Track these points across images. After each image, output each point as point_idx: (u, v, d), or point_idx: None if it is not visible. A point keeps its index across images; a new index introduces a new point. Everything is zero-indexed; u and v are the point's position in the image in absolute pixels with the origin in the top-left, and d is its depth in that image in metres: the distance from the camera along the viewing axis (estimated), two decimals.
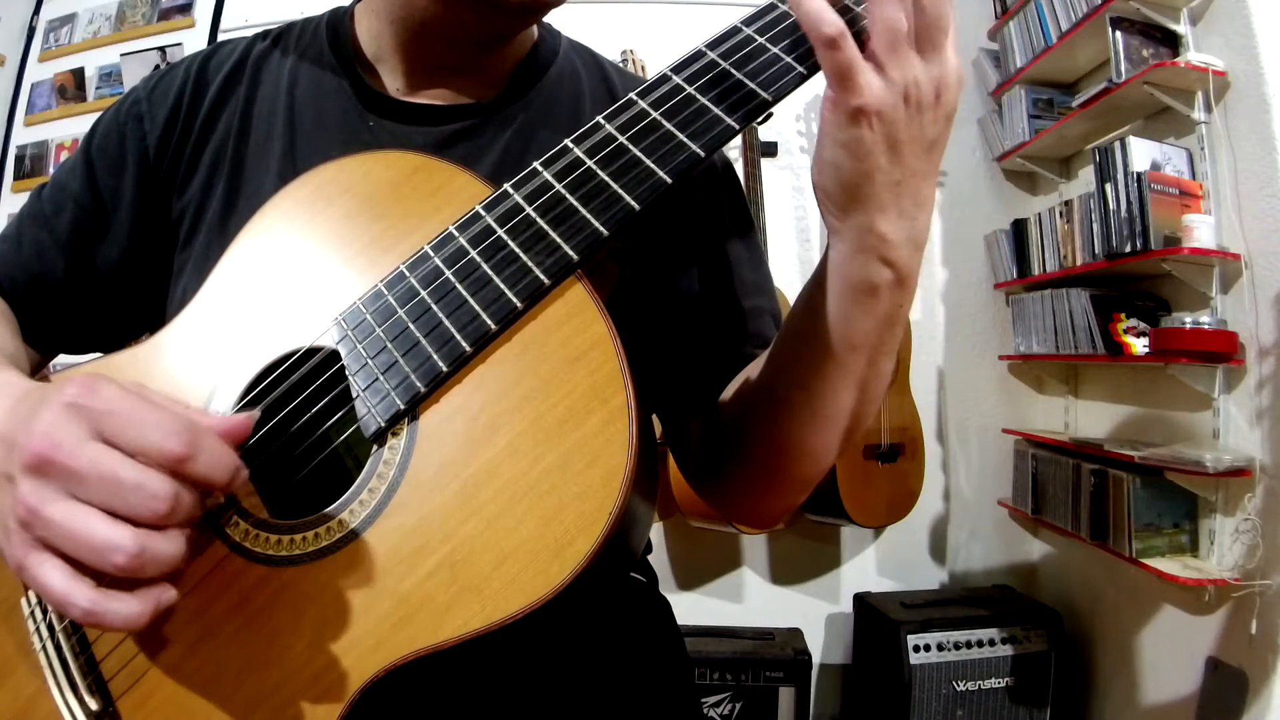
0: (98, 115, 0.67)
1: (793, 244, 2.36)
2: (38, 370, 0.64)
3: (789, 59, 0.47)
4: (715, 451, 0.61)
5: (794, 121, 2.40)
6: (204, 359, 0.50)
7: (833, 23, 0.41)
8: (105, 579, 0.36)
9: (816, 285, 0.48)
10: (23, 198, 2.53)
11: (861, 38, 0.43)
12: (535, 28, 0.69)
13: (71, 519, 0.36)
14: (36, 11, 2.72)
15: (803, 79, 0.47)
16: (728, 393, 0.62)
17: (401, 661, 0.40)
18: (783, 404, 0.52)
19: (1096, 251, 1.84)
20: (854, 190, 0.43)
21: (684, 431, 0.65)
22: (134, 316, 0.66)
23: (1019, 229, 2.21)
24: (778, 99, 0.47)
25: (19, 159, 2.63)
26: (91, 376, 0.39)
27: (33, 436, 0.37)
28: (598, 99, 0.67)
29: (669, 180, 0.46)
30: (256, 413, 0.44)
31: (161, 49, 2.54)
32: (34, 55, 2.70)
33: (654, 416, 0.65)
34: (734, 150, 2.18)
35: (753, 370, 0.59)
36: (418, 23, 0.61)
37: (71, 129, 2.58)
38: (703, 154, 0.46)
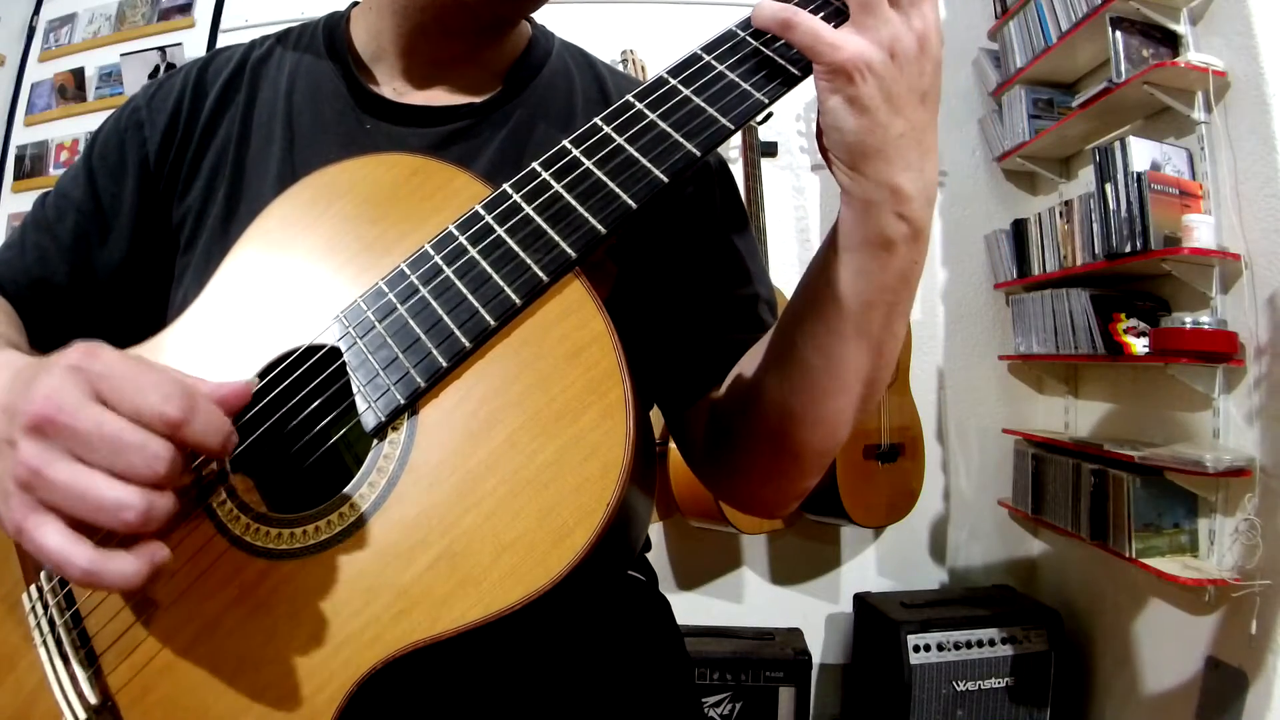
0: (98, 116, 0.68)
1: (793, 244, 2.37)
2: None
3: (782, 61, 0.48)
4: (725, 435, 0.61)
5: (794, 122, 2.41)
6: (204, 359, 0.50)
7: (781, 9, 0.46)
8: (100, 540, 0.37)
9: (830, 248, 0.50)
10: (23, 197, 2.53)
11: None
12: (529, 28, 0.70)
13: (78, 479, 0.36)
14: (36, 11, 2.72)
15: (796, 81, 0.48)
16: (732, 377, 0.62)
17: (400, 653, 0.40)
18: (798, 371, 0.52)
19: (1096, 251, 1.84)
20: (861, 147, 0.45)
21: (687, 421, 0.66)
22: (136, 321, 0.66)
23: (1019, 229, 2.21)
24: (772, 100, 0.48)
25: (19, 159, 2.64)
26: (90, 343, 0.40)
27: (34, 400, 0.37)
28: (590, 97, 0.68)
29: (665, 180, 0.47)
30: (256, 380, 0.44)
31: (161, 49, 2.54)
32: (34, 55, 2.70)
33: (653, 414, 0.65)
34: (734, 150, 2.18)
35: (758, 350, 0.59)
36: (418, 9, 0.62)
37: (71, 129, 2.58)
38: (699, 154, 0.47)
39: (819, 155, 1.99)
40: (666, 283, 0.65)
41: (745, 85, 0.48)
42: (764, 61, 0.48)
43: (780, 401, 0.54)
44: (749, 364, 0.60)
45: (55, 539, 0.36)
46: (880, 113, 0.44)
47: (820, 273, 0.50)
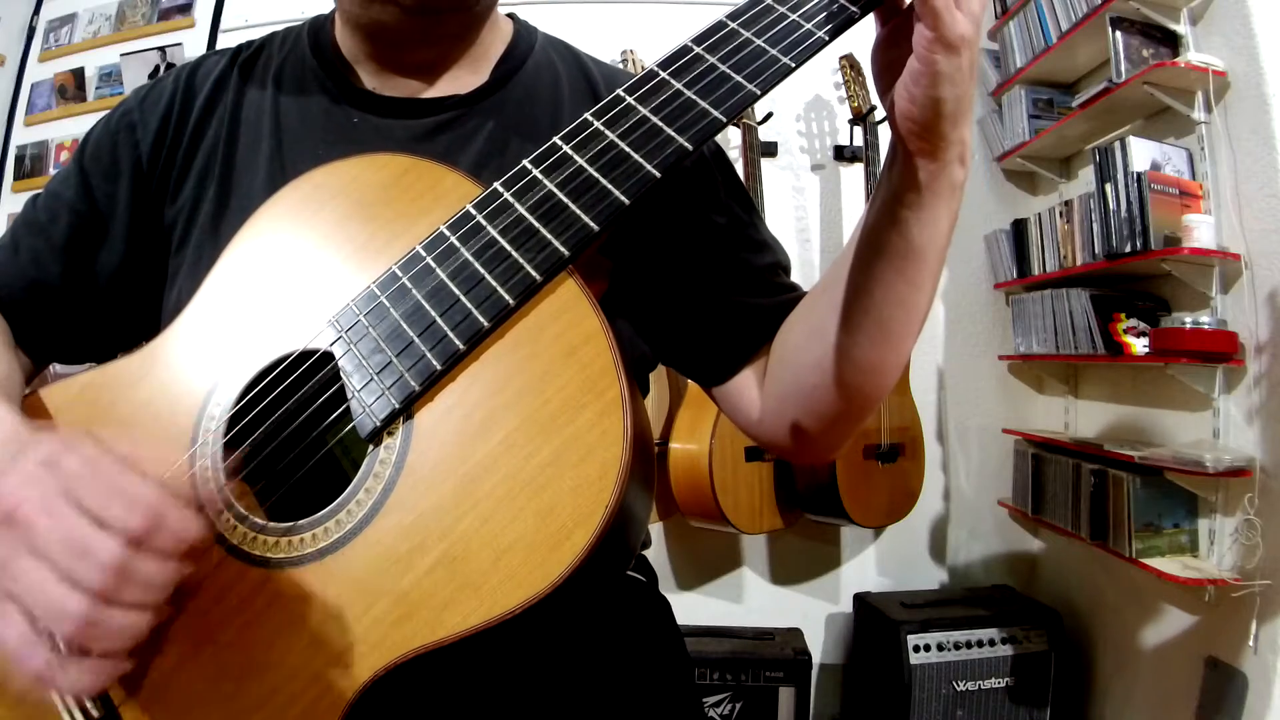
0: (98, 116, 0.68)
1: (793, 244, 2.36)
2: (32, 379, 0.64)
3: (774, 51, 0.48)
4: (793, 396, 0.62)
5: (794, 122, 2.40)
6: (199, 366, 0.50)
7: None
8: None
9: (900, 207, 0.51)
10: (23, 198, 2.52)
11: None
12: (511, 25, 0.71)
13: (30, 579, 0.36)
14: (36, 11, 2.72)
15: (788, 71, 0.48)
16: (789, 344, 0.63)
17: (401, 660, 0.40)
18: (878, 327, 0.56)
19: (1096, 251, 1.83)
20: (954, 115, 0.48)
21: (733, 391, 0.67)
22: (129, 324, 0.67)
23: (1019, 229, 2.21)
24: (764, 91, 0.47)
25: (19, 159, 2.63)
26: (70, 436, 0.40)
27: (6, 490, 0.37)
28: (576, 87, 0.69)
29: (657, 174, 0.47)
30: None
31: (161, 49, 2.53)
32: (34, 55, 2.69)
33: (649, 411, 0.65)
34: (734, 150, 2.18)
35: (820, 314, 0.60)
36: (364, 25, 0.63)
37: (71, 129, 2.58)
38: (690, 147, 0.47)
39: (819, 155, 1.99)
40: (679, 268, 0.66)
41: (737, 77, 0.47)
42: (756, 52, 0.48)
43: (859, 359, 0.57)
44: (805, 331, 0.62)
45: (11, 634, 0.36)
46: (969, 81, 0.47)
47: (894, 231, 0.52)
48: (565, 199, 0.47)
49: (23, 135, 2.65)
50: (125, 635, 0.37)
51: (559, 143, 0.49)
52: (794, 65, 0.47)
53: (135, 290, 0.65)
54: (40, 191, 0.67)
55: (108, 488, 0.37)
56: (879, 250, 0.53)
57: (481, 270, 0.46)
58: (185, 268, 0.62)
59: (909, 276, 0.53)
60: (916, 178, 0.50)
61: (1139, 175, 1.67)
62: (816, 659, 2.08)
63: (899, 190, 0.51)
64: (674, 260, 0.66)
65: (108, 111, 0.68)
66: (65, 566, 0.36)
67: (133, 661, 0.39)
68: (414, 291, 0.47)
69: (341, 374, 0.47)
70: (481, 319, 0.45)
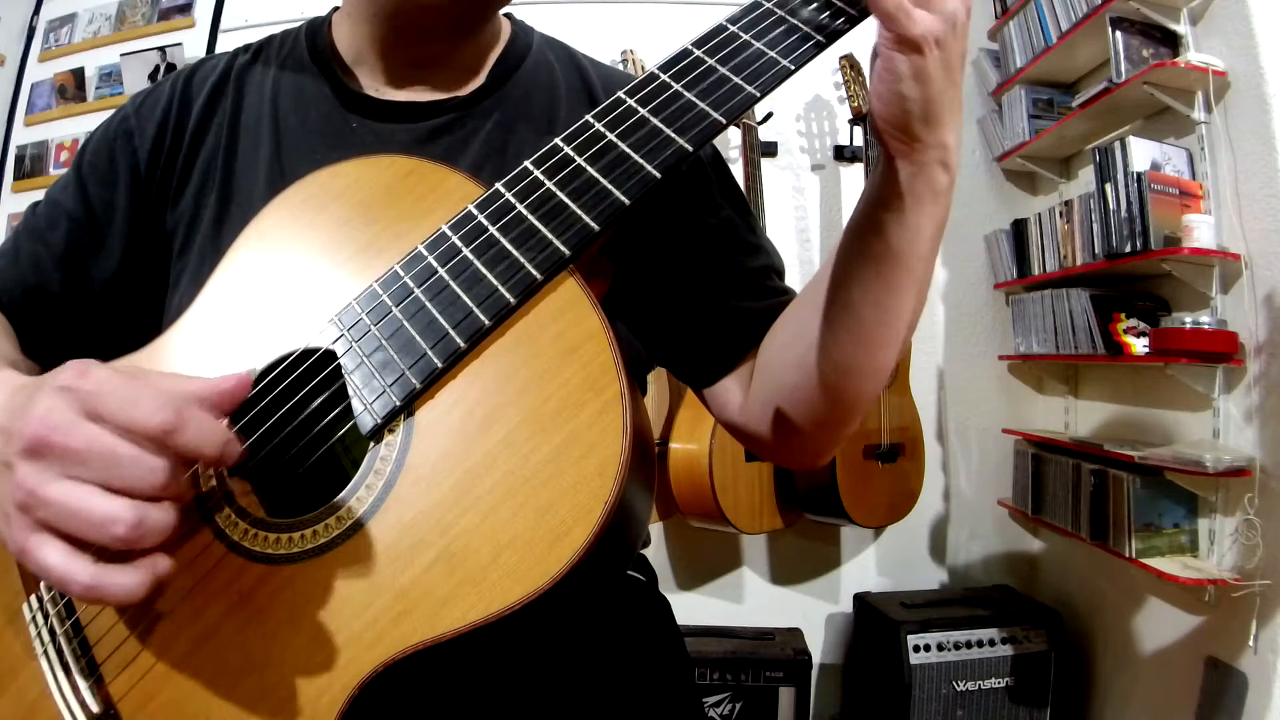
0: (98, 116, 0.68)
1: (793, 244, 2.36)
2: None
3: (773, 54, 0.48)
4: (776, 398, 0.62)
5: (794, 122, 2.40)
6: (201, 364, 0.50)
7: None
8: (103, 556, 0.37)
9: (879, 208, 0.51)
10: (22, 197, 2.50)
11: None
12: (508, 24, 0.71)
13: (69, 497, 0.37)
14: (36, 11, 2.72)
15: (788, 74, 0.48)
16: (775, 344, 0.63)
17: (400, 655, 0.40)
18: (857, 329, 0.55)
19: (1096, 251, 1.84)
20: (925, 115, 0.47)
21: (721, 393, 0.67)
22: (131, 329, 0.67)
23: (1019, 229, 2.21)
24: (764, 93, 0.48)
25: (19, 159, 2.63)
26: (82, 362, 0.40)
27: (29, 421, 0.38)
28: (573, 88, 0.69)
29: (658, 175, 0.47)
30: (254, 371, 0.44)
31: (161, 49, 2.54)
32: (34, 55, 2.70)
33: (649, 411, 0.66)
34: (734, 150, 2.18)
35: (795, 315, 0.60)
36: (389, 14, 0.63)
37: (71, 129, 2.58)
38: (690, 149, 0.47)
39: (819, 155, 1.99)
40: (672, 269, 0.66)
41: (736, 79, 0.48)
42: (755, 55, 0.48)
43: (839, 359, 0.56)
44: (790, 330, 0.61)
45: (55, 557, 0.37)
46: (939, 81, 0.46)
47: (872, 233, 0.52)
48: (566, 199, 0.48)
49: (23, 135, 2.66)
50: (165, 529, 0.38)
51: (560, 144, 0.50)
52: (793, 68, 0.48)
53: (135, 296, 0.65)
54: (42, 198, 0.67)
55: (128, 396, 0.38)
56: (859, 252, 0.53)
57: (483, 269, 0.47)
58: (188, 272, 0.62)
59: (888, 280, 0.53)
60: (896, 179, 0.49)
61: (1139, 175, 1.67)
62: (816, 659, 2.08)
63: (879, 192, 0.51)
64: (667, 261, 0.66)
65: (107, 117, 0.68)
66: (109, 478, 0.37)
67: (170, 560, 0.39)
68: (416, 290, 0.47)
69: (343, 371, 0.47)
70: (483, 317, 0.45)
